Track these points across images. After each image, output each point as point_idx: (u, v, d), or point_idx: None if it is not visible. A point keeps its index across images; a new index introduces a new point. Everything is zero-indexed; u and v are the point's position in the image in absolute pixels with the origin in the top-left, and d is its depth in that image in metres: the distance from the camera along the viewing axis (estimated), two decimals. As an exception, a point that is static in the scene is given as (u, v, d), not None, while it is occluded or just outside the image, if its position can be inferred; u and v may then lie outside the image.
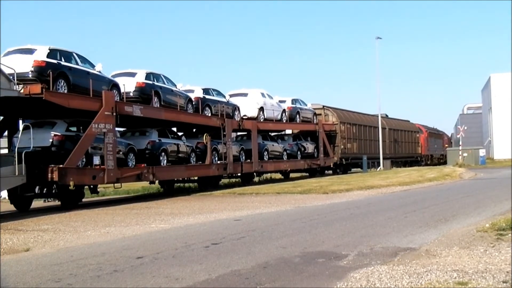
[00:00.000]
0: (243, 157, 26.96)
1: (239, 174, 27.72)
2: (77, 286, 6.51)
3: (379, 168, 42.20)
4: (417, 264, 6.99)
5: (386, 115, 49.26)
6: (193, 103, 23.64)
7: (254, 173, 28.85)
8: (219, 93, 25.92)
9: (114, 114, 18.26)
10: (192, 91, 24.37)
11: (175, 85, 22.55)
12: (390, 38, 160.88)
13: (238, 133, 29.53)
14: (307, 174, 35.39)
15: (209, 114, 24.56)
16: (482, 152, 51.93)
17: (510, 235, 8.67)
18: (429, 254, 7.67)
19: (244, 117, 27.31)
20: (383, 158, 43.47)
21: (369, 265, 7.06)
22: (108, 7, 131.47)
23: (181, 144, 22.68)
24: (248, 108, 27.74)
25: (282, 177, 33.65)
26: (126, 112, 19.08)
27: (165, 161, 21.32)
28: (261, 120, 28.33)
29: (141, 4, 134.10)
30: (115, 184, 18.96)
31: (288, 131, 35.11)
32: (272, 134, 32.28)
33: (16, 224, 13.31)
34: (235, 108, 26.66)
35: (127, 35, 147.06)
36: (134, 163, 19.84)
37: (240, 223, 12.06)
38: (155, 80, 21.15)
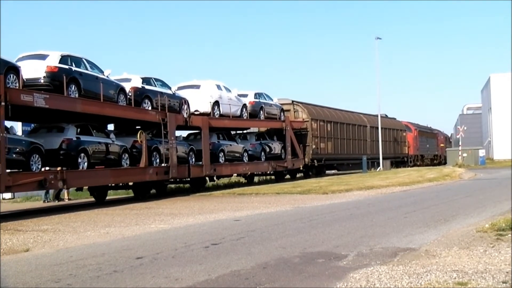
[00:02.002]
0: (193, 159, 23.53)
1: (188, 179, 24.30)
2: (76, 286, 6.51)
3: (378, 168, 42.16)
4: (416, 264, 7.00)
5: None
6: (128, 94, 20.02)
7: (206, 178, 25.50)
8: (163, 84, 22.39)
9: (3, 103, 14.49)
10: (128, 80, 20.89)
11: (102, 72, 18.79)
12: (390, 38, 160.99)
13: (191, 132, 26.31)
14: (273, 177, 31.71)
15: (150, 108, 20.97)
16: (481, 153, 51.99)
17: (509, 235, 8.67)
18: (428, 254, 7.67)
19: (195, 113, 23.89)
20: (363, 159, 39.35)
21: (369, 265, 7.06)
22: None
23: (110, 144, 18.93)
24: (200, 102, 24.20)
25: (246, 181, 30.04)
26: (24, 102, 15.25)
27: (86, 163, 17.48)
28: (216, 116, 24.74)
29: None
30: (3, 195, 16.41)
31: (255, 129, 31.68)
32: (235, 132, 29.54)
33: (15, 224, 13.31)
34: (183, 101, 23.08)
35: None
36: (39, 166, 16.10)
37: (240, 223, 12.06)
38: (74, 65, 17.40)
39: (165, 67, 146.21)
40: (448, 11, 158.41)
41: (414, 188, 22.80)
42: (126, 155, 19.69)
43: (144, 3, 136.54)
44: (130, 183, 21.16)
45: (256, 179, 31.34)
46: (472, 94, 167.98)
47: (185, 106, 23.14)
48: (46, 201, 22.22)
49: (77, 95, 17.17)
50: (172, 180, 22.91)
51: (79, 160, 17.29)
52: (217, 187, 25.94)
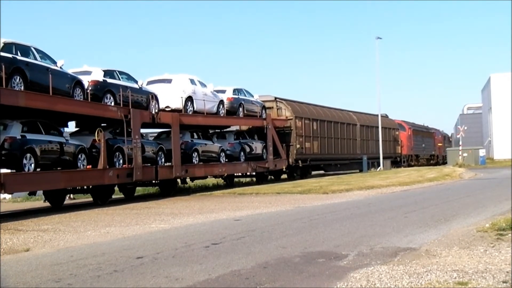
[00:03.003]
0: (163, 160, 21.57)
1: (156, 182, 22.13)
2: (77, 286, 6.52)
3: (379, 168, 42.14)
4: (417, 264, 7.00)
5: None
6: (87, 88, 18.03)
7: (178, 180, 23.41)
8: (129, 78, 20.27)
9: None
10: (89, 72, 18.90)
11: (54, 63, 16.75)
12: (390, 38, 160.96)
13: (163, 130, 24.04)
14: (254, 179, 29.54)
15: (112, 104, 18.82)
16: (482, 152, 52.00)
17: (510, 235, 8.68)
18: (429, 254, 7.67)
19: (166, 109, 21.97)
20: (345, 159, 37.65)
21: (369, 265, 7.06)
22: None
23: (64, 143, 16.99)
24: (171, 97, 22.18)
25: (224, 183, 28.17)
26: None
27: (32, 165, 15.47)
28: (190, 113, 22.86)
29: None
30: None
31: (237, 128, 29.48)
32: (214, 131, 27.60)
33: (16, 224, 13.31)
34: (152, 96, 20.95)
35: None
36: None
37: (240, 223, 12.06)
38: (19, 54, 15.40)
39: (141, 63, 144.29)
40: (448, 11, 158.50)
41: (414, 188, 22.81)
42: (83, 155, 17.69)
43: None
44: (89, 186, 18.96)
45: (248, 180, 29.87)
46: (472, 94, 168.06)
47: (154, 102, 21.03)
48: (46, 201, 22.18)
49: (22, 88, 15.10)
50: (138, 182, 20.66)
51: (24, 161, 15.20)
52: (189, 190, 23.92)
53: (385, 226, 10.75)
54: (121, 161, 19.13)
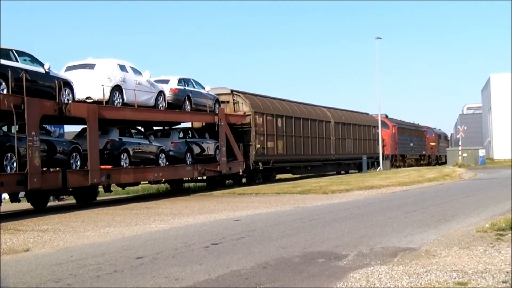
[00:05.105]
0: (78, 163, 17.32)
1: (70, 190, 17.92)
2: (76, 286, 6.52)
3: (378, 168, 42.09)
4: (416, 264, 7.00)
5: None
6: None
7: (98, 188, 19.50)
8: (33, 60, 16.04)
9: None
10: None
11: None
12: (390, 38, 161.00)
13: (85, 126, 18.44)
14: (206, 184, 26.27)
15: (4, 91, 14.67)
16: (482, 152, 52.06)
17: (510, 235, 8.67)
18: (428, 254, 7.67)
19: (87, 100, 18.01)
20: (321, 160, 34.09)
21: (369, 265, 7.06)
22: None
23: None
24: (93, 86, 18.01)
25: (170, 188, 25.33)
26: None
27: None
28: (119, 105, 18.85)
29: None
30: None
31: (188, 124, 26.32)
32: (160, 128, 24.18)
33: (16, 224, 13.31)
34: (62, 83, 16.57)
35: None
36: None
37: (240, 223, 12.06)
38: None
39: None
40: (448, 11, 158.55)
41: (414, 188, 22.82)
42: None
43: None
44: None
45: (201, 185, 26.55)
46: (472, 94, 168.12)
47: (67, 90, 16.81)
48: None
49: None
50: (24, 193, 16.96)
51: None
52: (115, 202, 20.24)
53: (385, 226, 10.75)
54: (14, 165, 14.79)
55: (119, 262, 7.85)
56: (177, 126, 24.86)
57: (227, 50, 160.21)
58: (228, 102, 26.88)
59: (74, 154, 17.27)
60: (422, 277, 6.28)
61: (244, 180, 27.85)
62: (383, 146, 43.73)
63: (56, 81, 16.42)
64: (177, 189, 24.81)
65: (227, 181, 27.50)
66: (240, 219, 12.87)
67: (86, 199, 18.26)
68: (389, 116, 49.53)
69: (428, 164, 55.00)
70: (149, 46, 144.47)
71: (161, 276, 6.82)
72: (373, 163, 41.98)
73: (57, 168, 17.14)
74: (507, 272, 6.34)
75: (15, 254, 9.00)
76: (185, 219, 13.33)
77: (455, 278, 6.17)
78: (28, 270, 7.56)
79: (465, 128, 57.09)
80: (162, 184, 25.21)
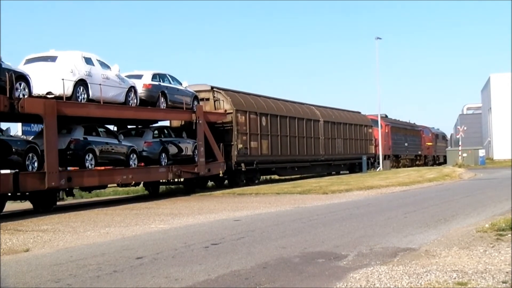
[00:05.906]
0: (35, 164, 15.76)
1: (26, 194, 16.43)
2: (76, 286, 6.52)
3: (378, 168, 42.08)
4: (416, 264, 7.00)
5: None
6: None
7: (59, 193, 18.63)
8: None
9: None
10: None
11: None
12: (390, 38, 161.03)
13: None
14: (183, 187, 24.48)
15: None
16: (481, 152, 52.06)
17: (509, 235, 8.68)
18: (428, 254, 7.67)
19: (48, 96, 16.64)
20: (310, 161, 32.62)
21: (369, 265, 7.07)
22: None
23: None
24: (54, 80, 16.59)
25: (147, 192, 24.00)
26: None
27: None
28: (83, 101, 17.41)
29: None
30: None
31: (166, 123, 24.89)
32: (136, 127, 22.70)
33: (15, 224, 13.31)
34: (19, 77, 15.24)
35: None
36: None
37: (240, 223, 12.07)
38: None
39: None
40: (448, 11, 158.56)
41: (414, 188, 22.82)
42: None
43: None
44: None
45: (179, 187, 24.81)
46: (472, 94, 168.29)
47: (22, 84, 15.40)
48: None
49: None
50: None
51: None
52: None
53: (384, 226, 10.76)
54: None
55: (119, 262, 7.85)
56: (154, 125, 23.17)
57: (226, 49, 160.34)
58: (208, 99, 25.54)
59: (30, 155, 15.62)
60: (422, 277, 6.28)
61: (226, 182, 26.45)
62: (375, 146, 42.49)
63: (7, 73, 14.74)
64: (153, 193, 23.59)
65: (208, 183, 26.55)
66: (240, 219, 12.87)
67: (44, 204, 16.71)
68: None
69: (425, 164, 53.96)
70: (128, 42, 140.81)
71: (161, 276, 6.82)
72: (368, 164, 40.56)
73: (9, 171, 15.49)
74: (507, 272, 6.34)
75: (15, 254, 9.00)
76: (185, 219, 13.33)
77: (455, 278, 6.17)
78: (28, 270, 7.56)
79: (465, 128, 57.06)
80: (136, 187, 23.88)
